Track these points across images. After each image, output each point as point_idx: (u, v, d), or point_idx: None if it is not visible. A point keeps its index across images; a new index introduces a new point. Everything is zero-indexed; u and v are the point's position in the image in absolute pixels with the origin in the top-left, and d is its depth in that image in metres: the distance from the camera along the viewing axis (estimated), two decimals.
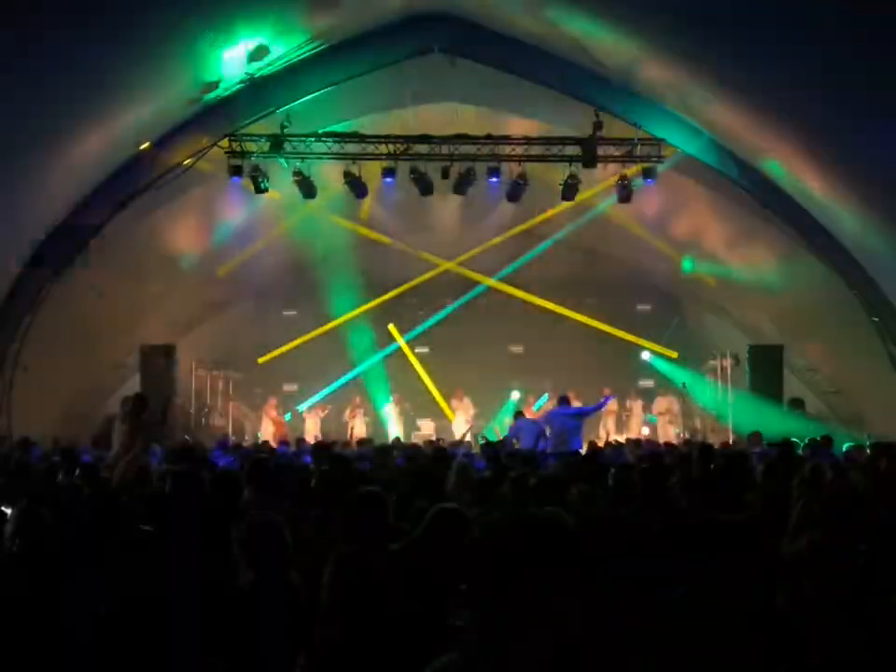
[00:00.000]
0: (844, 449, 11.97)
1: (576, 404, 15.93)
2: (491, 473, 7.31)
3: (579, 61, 14.09)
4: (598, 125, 14.70)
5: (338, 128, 15.64)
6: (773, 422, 16.86)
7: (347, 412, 20.76)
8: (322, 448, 10.78)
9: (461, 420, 20.34)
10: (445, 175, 15.50)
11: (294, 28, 13.26)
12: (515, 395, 21.53)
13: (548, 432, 13.67)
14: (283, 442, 15.23)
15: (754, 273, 18.47)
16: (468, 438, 16.24)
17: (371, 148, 15.39)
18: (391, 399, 21.21)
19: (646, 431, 20.31)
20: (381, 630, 3.42)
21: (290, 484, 6.69)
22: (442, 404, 21.49)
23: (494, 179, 15.66)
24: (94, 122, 12.64)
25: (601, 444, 14.92)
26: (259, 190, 15.50)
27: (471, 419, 20.37)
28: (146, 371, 17.95)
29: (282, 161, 15.47)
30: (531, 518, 2.27)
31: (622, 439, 17.41)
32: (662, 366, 21.79)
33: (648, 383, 22.35)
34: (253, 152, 15.13)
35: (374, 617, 3.44)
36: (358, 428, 20.09)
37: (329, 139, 15.38)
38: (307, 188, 15.77)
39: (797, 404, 18.11)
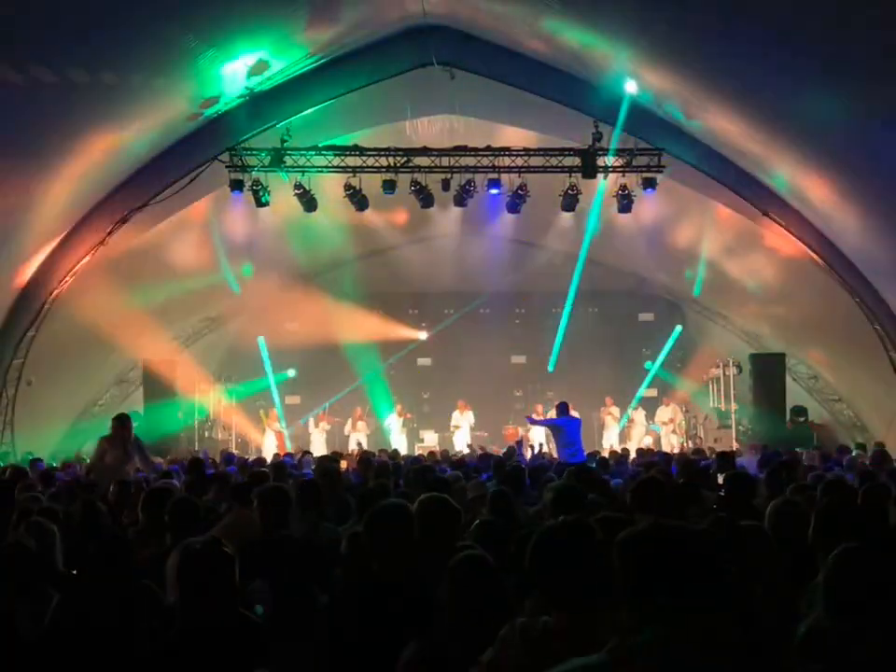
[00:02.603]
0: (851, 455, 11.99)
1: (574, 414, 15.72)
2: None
3: (577, 71, 14.14)
4: (598, 136, 14.77)
5: (338, 141, 15.69)
6: (776, 430, 16.88)
7: (349, 424, 20.78)
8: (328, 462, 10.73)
9: (463, 431, 20.35)
10: (446, 187, 15.54)
11: (293, 42, 13.32)
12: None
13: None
14: (287, 455, 15.26)
15: (756, 281, 18.49)
16: (466, 450, 16.25)
17: (371, 161, 15.44)
18: (394, 410, 21.20)
19: (648, 441, 20.27)
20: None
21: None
22: None
23: (494, 191, 15.70)
24: (97, 137, 12.70)
25: (605, 454, 14.91)
26: (260, 204, 15.55)
27: (472, 428, 20.42)
28: (148, 386, 18.00)
29: (282, 174, 15.52)
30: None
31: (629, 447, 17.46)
32: (665, 375, 21.82)
33: (651, 392, 22.36)
34: (254, 166, 15.18)
35: None
36: (361, 441, 20.09)
37: (330, 152, 15.44)
38: (308, 201, 15.83)
39: (800, 412, 18.13)
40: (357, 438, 20.26)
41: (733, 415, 19.41)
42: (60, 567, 4.91)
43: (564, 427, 13.70)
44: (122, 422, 10.48)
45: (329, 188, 16.16)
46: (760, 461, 10.70)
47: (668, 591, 2.35)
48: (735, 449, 16.62)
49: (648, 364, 21.88)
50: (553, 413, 16.06)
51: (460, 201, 15.97)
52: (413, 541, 4.03)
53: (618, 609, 2.44)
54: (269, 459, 14.13)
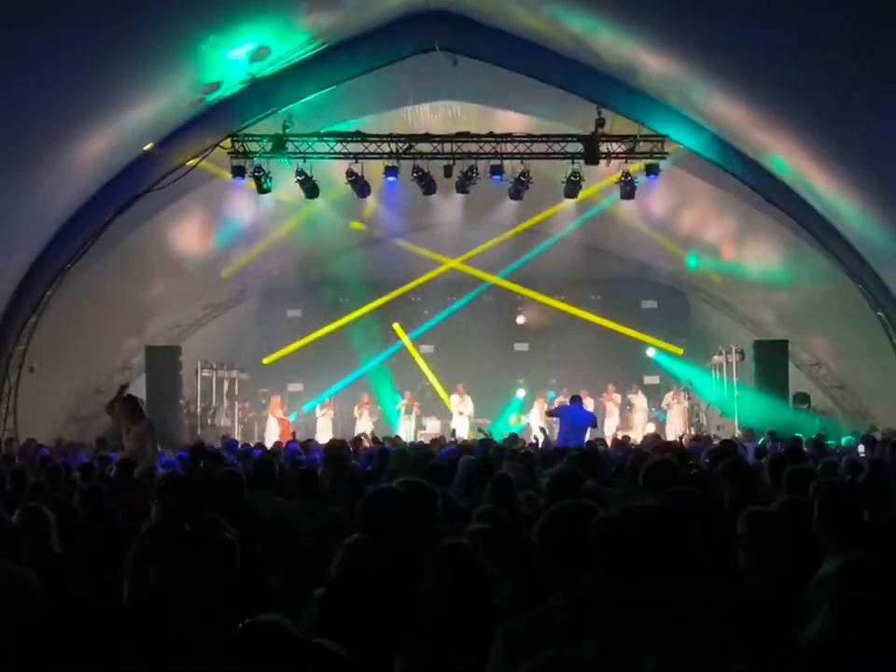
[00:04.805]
0: (843, 443, 11.97)
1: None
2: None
3: (580, 57, 14.07)
4: (600, 122, 14.70)
5: (340, 127, 15.65)
6: (778, 417, 16.85)
7: (356, 410, 20.77)
8: (335, 448, 10.69)
9: (461, 416, 20.35)
10: (448, 173, 15.50)
11: (295, 28, 13.27)
12: (521, 392, 21.53)
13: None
14: (292, 441, 15.26)
15: (758, 268, 18.46)
16: (466, 436, 16.26)
17: (373, 148, 15.40)
18: (402, 397, 21.17)
19: (651, 428, 20.26)
20: None
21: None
22: (447, 401, 21.41)
23: (496, 177, 15.64)
24: (97, 124, 12.66)
25: (608, 441, 14.94)
26: (262, 191, 15.52)
27: (471, 416, 20.40)
28: (151, 372, 18.01)
29: (284, 160, 15.48)
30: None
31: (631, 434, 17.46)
32: (667, 362, 21.78)
33: (653, 379, 22.34)
34: (256, 152, 15.15)
35: None
36: (367, 427, 20.07)
37: (332, 138, 15.39)
38: (310, 187, 15.79)
39: (802, 399, 18.11)
40: (364, 425, 20.24)
41: (735, 402, 19.39)
42: (56, 550, 4.92)
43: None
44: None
45: (332, 174, 16.13)
46: (758, 449, 10.64)
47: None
48: (736, 436, 16.61)
49: (653, 354, 21.79)
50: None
51: (462, 187, 15.94)
52: (407, 525, 4.04)
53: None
54: (269, 447, 14.13)
